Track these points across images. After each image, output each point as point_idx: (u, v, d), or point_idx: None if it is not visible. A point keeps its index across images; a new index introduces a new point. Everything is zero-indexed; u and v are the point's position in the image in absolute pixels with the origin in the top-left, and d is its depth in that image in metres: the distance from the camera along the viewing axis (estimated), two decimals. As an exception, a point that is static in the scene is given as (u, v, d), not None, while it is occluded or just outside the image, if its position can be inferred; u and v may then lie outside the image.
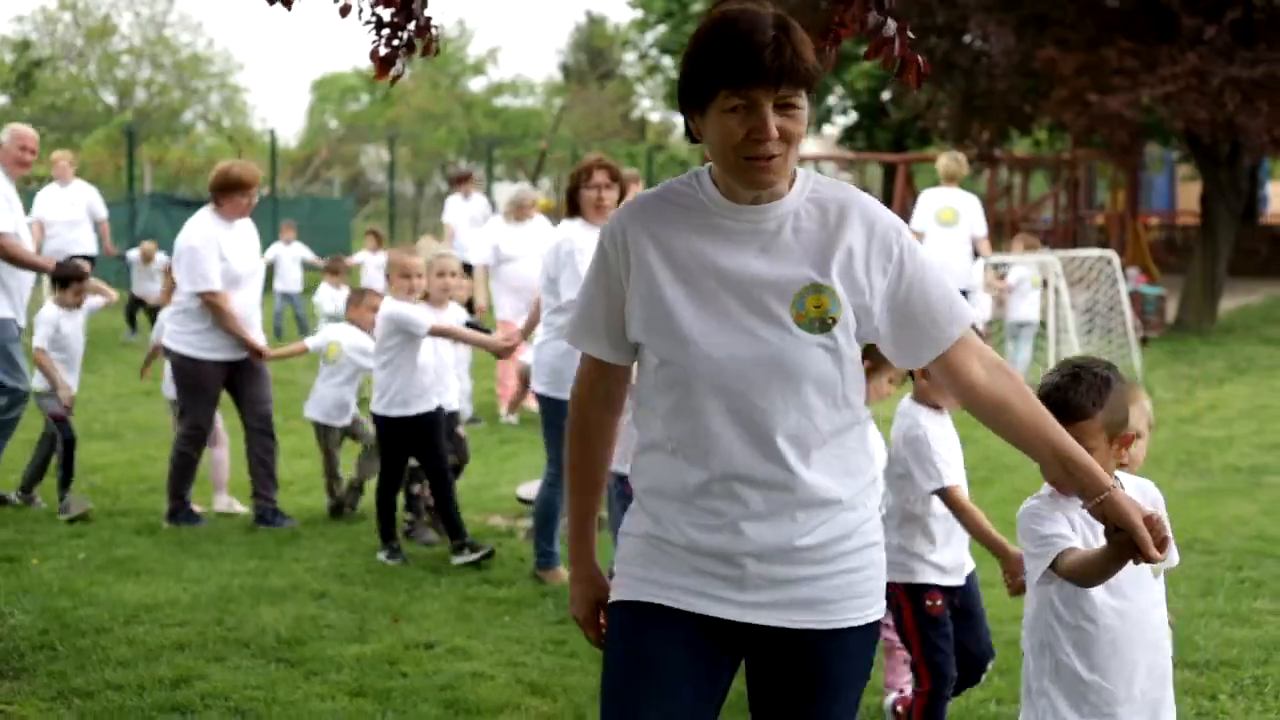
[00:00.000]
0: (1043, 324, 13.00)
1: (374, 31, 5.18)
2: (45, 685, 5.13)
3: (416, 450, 7.15)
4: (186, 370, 7.83)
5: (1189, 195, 28.66)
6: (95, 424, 10.53)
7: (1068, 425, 3.04)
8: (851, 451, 2.69)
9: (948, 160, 12.87)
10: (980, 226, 12.66)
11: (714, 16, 2.59)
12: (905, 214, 13.65)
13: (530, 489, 7.49)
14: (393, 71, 5.17)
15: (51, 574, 6.65)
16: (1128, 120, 17.63)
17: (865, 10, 4.06)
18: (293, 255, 17.09)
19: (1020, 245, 14.31)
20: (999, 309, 13.51)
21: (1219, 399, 12.65)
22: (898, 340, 2.70)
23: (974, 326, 2.85)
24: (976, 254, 12.65)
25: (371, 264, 15.77)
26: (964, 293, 12.37)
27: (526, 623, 6.04)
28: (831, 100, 36.31)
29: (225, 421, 8.31)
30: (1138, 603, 3.16)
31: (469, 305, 10.53)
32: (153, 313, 16.28)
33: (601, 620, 2.85)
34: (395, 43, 5.18)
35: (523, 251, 11.35)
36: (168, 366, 8.25)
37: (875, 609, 2.73)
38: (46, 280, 8.44)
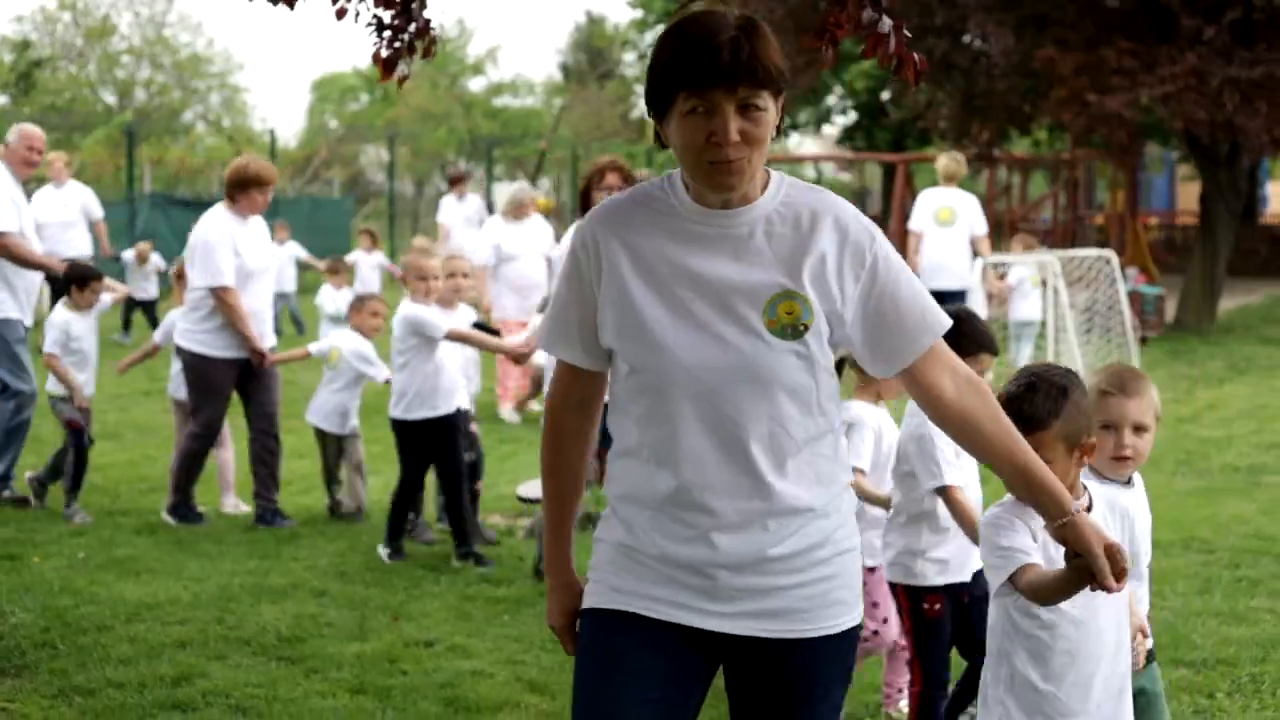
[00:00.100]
0: (1042, 324, 13.02)
1: (375, 34, 5.19)
2: (47, 683, 5.16)
3: (435, 454, 7.14)
4: (199, 369, 7.80)
5: (1188, 195, 28.68)
6: (95, 424, 10.50)
7: (1024, 436, 3.03)
8: (824, 459, 2.66)
9: (947, 160, 12.88)
10: (980, 226, 12.67)
11: (676, 19, 2.56)
12: (905, 214, 13.65)
13: (530, 488, 7.50)
14: (398, 73, 5.20)
15: (53, 572, 6.66)
16: (1127, 120, 17.63)
17: (860, 8, 4.07)
18: (287, 254, 17.11)
19: (1019, 245, 14.32)
20: (999, 308, 13.53)
21: (1218, 399, 12.67)
22: (869, 348, 2.67)
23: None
24: (976, 254, 12.66)
25: (366, 264, 15.78)
26: (963, 293, 12.48)
27: (526, 621, 6.05)
28: (831, 100, 36.32)
29: (230, 422, 8.32)
30: (1097, 614, 3.11)
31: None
32: (149, 312, 16.30)
33: (579, 627, 2.80)
34: (396, 45, 5.20)
35: (523, 250, 11.38)
36: (174, 367, 8.26)
37: (851, 616, 2.70)
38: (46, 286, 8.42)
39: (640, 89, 46.89)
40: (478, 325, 7.57)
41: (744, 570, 2.61)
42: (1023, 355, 12.85)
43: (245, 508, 8.19)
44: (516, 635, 5.85)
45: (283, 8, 5.11)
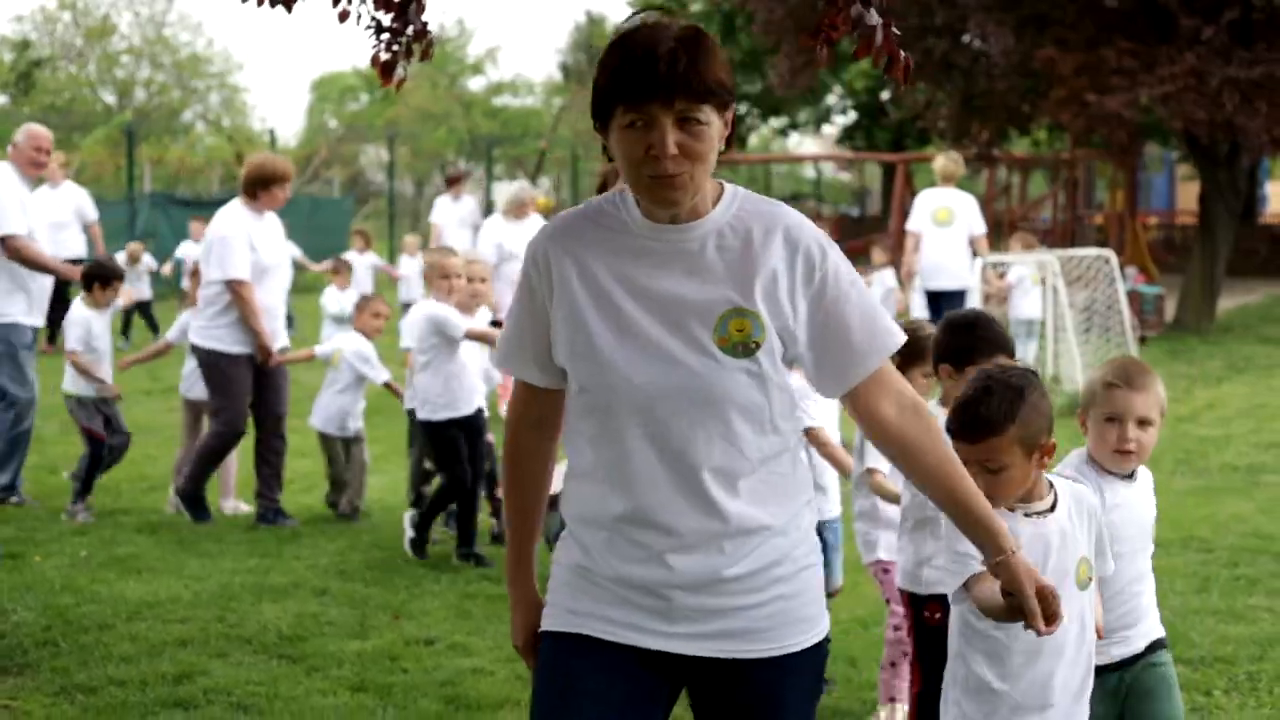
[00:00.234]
0: (1041, 323, 13.04)
1: (373, 36, 5.21)
2: (49, 681, 5.17)
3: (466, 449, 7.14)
4: (216, 366, 7.79)
5: (1188, 195, 28.70)
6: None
7: (979, 441, 3.03)
8: (781, 477, 2.60)
9: (944, 160, 12.90)
10: (978, 225, 12.68)
11: (617, 31, 2.52)
12: (905, 214, 13.67)
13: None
14: (396, 76, 5.21)
15: (54, 571, 6.68)
16: (1126, 120, 17.65)
17: (849, 3, 4.08)
18: None
19: (1019, 244, 14.34)
20: (998, 307, 13.55)
21: (1217, 398, 12.69)
22: (816, 366, 2.60)
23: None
24: (975, 253, 12.68)
25: (359, 265, 15.79)
26: (961, 292, 12.51)
27: (526, 619, 6.06)
28: (831, 100, 36.35)
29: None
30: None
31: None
32: (144, 313, 16.31)
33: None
34: (395, 47, 5.22)
35: (523, 249, 11.39)
36: (186, 366, 8.27)
37: (815, 632, 2.65)
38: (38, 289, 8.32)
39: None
40: (494, 324, 7.60)
41: (699, 591, 2.56)
42: (1028, 354, 12.87)
43: (246, 508, 8.21)
44: (517, 633, 5.86)
45: (281, 8, 5.12)
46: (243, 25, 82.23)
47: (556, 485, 2.87)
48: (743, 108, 36.45)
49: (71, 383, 8.03)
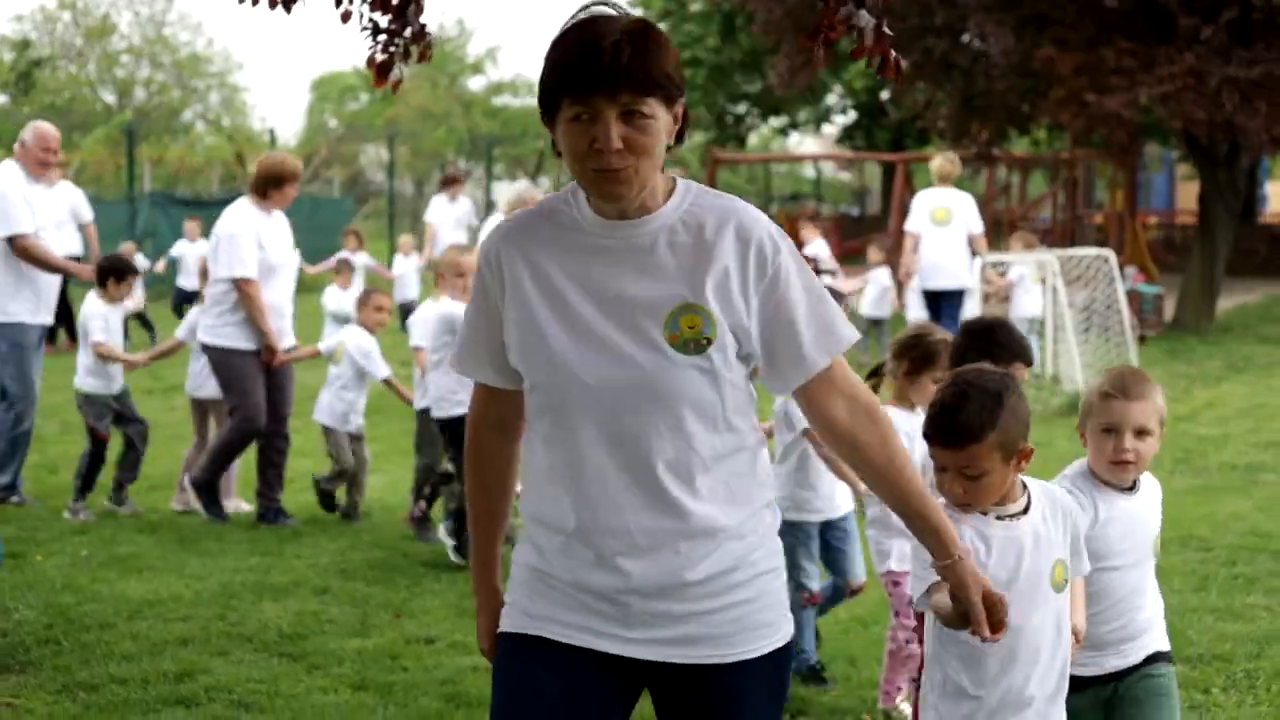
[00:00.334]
0: (1041, 322, 13.06)
1: (370, 37, 5.23)
2: (51, 679, 5.19)
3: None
4: (228, 363, 7.78)
5: (1188, 194, 28.71)
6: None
7: (959, 449, 2.99)
8: (738, 477, 2.56)
9: (941, 160, 12.93)
10: (976, 224, 12.71)
11: (566, 24, 2.50)
12: (905, 213, 13.69)
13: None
14: (392, 77, 5.22)
15: (55, 570, 6.70)
16: (1126, 120, 17.66)
17: (841, 3, 4.10)
18: None
19: (1020, 243, 14.36)
20: (998, 307, 13.57)
21: (1216, 397, 12.71)
22: (767, 362, 2.57)
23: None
24: (974, 253, 12.70)
25: (353, 264, 15.83)
26: (960, 292, 12.53)
27: (526, 618, 6.08)
28: (831, 100, 36.37)
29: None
30: (1031, 618, 3.04)
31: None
32: (139, 314, 16.31)
33: None
34: (392, 49, 5.23)
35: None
36: (193, 365, 8.27)
37: (777, 637, 2.61)
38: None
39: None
40: None
41: (656, 596, 2.53)
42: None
43: (246, 507, 8.22)
44: (517, 632, 5.88)
45: (281, 9, 5.14)
46: (243, 25, 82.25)
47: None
48: (742, 108, 36.51)
49: (84, 379, 8.02)
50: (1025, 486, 3.10)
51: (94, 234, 15.16)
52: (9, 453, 8.14)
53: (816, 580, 5.37)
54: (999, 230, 22.64)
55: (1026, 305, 13.16)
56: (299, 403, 8.91)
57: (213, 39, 68.70)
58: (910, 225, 12.82)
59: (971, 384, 3.05)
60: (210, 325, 7.82)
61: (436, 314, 7.13)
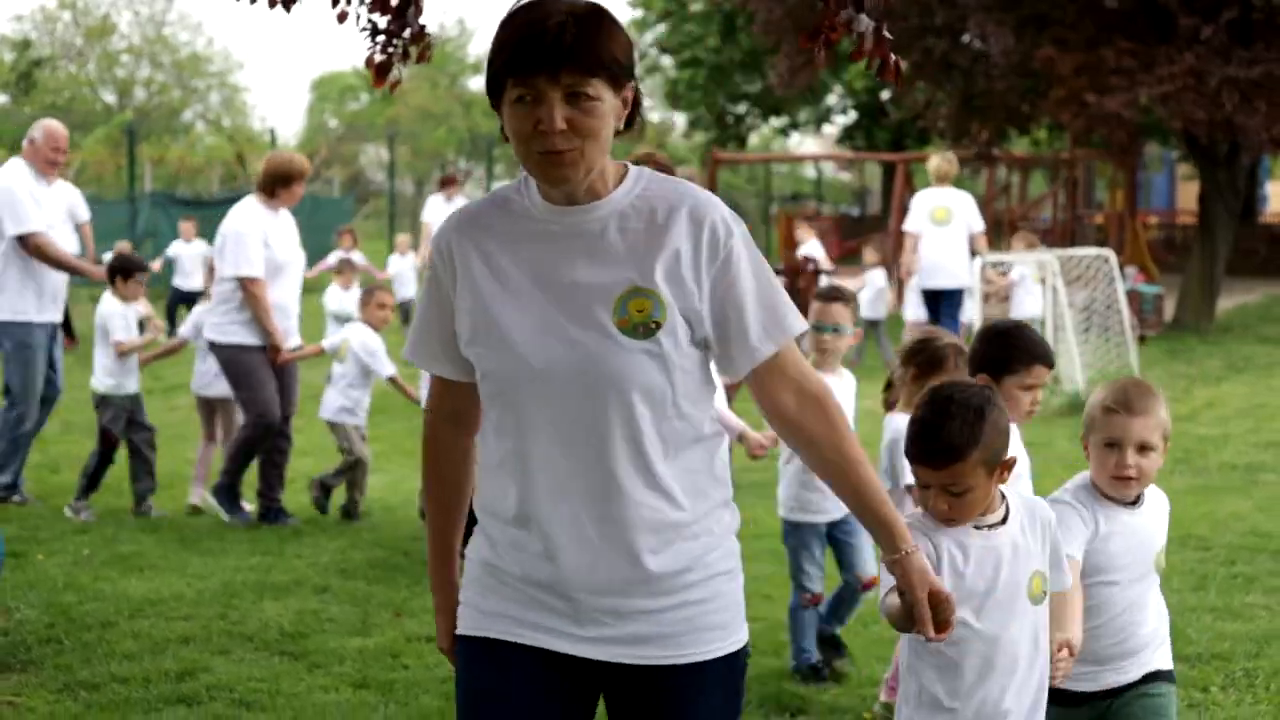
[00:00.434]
0: (1042, 322, 13.06)
1: (369, 38, 5.23)
2: (52, 677, 5.20)
3: None
4: (237, 360, 7.76)
5: (1188, 195, 28.73)
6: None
7: (942, 468, 2.93)
8: (693, 473, 2.51)
9: (938, 160, 12.95)
10: (977, 222, 12.73)
11: (514, 5, 2.46)
12: (905, 213, 13.71)
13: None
14: (390, 77, 5.23)
15: (57, 569, 6.71)
16: (1126, 120, 17.68)
17: (841, 7, 4.11)
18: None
19: (1021, 243, 14.38)
20: (997, 306, 13.58)
21: (1216, 397, 12.72)
22: (717, 345, 2.53)
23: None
24: (974, 252, 12.71)
25: (355, 264, 15.83)
26: (960, 291, 12.55)
27: (527, 617, 6.09)
28: (831, 100, 36.39)
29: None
30: (1008, 629, 3.00)
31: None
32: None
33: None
34: (390, 50, 5.24)
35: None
36: (200, 365, 8.26)
37: (731, 641, 2.56)
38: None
39: (640, 88, 46.89)
40: None
41: (604, 593, 2.48)
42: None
43: (247, 507, 8.22)
44: (517, 631, 5.89)
45: (280, 9, 5.15)
46: (243, 25, 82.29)
47: None
48: (743, 108, 36.52)
49: (101, 380, 8.01)
50: (1004, 497, 3.06)
51: (89, 233, 15.17)
52: (10, 452, 8.14)
53: (818, 582, 5.37)
54: (999, 230, 22.66)
55: (1027, 305, 13.17)
56: (302, 402, 8.92)
57: (213, 39, 68.78)
58: (909, 225, 12.83)
59: (953, 400, 2.98)
60: (217, 323, 7.82)
61: None
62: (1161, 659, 3.51)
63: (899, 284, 13.84)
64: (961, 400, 2.98)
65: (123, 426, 8.01)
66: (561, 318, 2.45)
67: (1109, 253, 14.60)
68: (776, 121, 38.36)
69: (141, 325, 8.23)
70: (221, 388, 8.08)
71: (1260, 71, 16.26)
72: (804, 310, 7.90)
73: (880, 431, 4.73)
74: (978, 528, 3.01)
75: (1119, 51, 16.93)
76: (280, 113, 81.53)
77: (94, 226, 15.05)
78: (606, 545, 2.47)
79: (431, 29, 5.32)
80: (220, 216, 8.16)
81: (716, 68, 33.87)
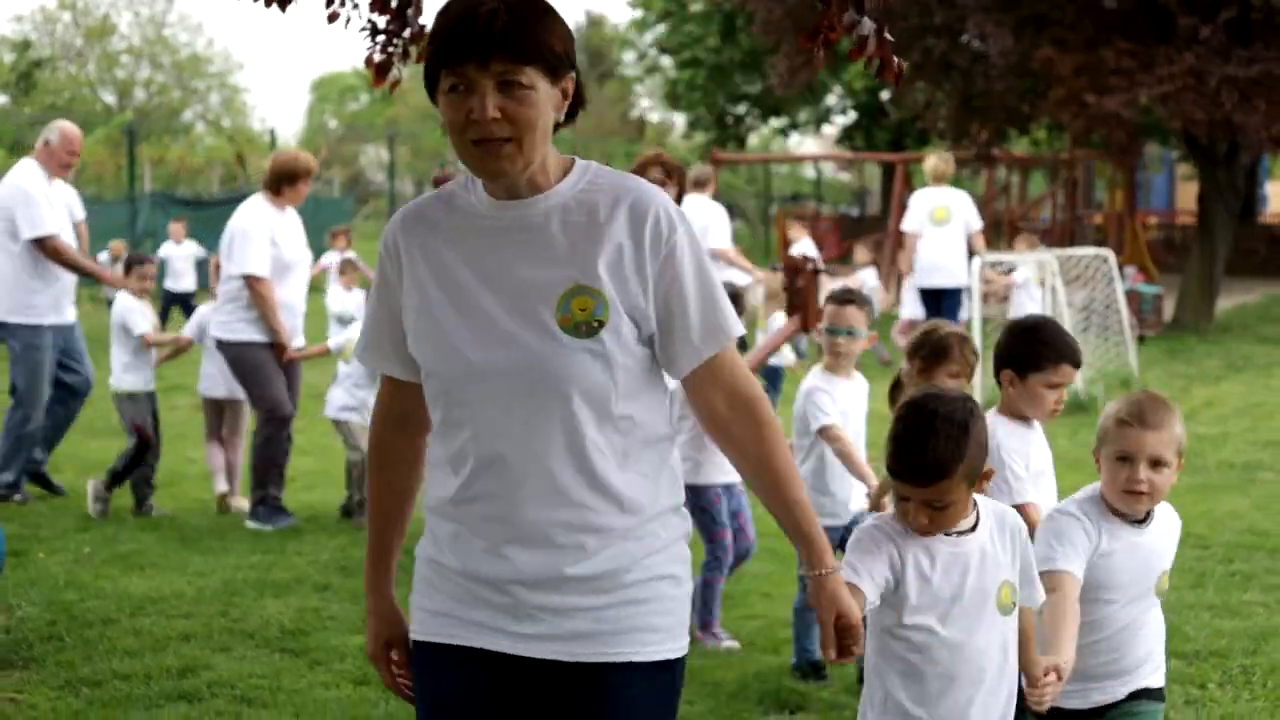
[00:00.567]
0: (1039, 322, 13.05)
1: (369, 38, 5.25)
2: (54, 674, 5.22)
3: None
4: (246, 357, 7.76)
5: (1188, 195, 28.74)
6: (99, 420, 10.59)
7: (928, 486, 2.88)
8: (641, 475, 2.47)
9: (936, 160, 12.99)
10: (975, 221, 12.77)
11: None
12: (904, 212, 13.73)
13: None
14: (390, 77, 5.25)
15: (58, 567, 6.73)
16: (1125, 120, 17.70)
17: (843, 9, 4.12)
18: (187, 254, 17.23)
19: (1023, 244, 14.40)
20: (996, 306, 13.60)
21: (1215, 397, 12.74)
22: (660, 345, 2.48)
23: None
24: (973, 251, 12.74)
25: (358, 264, 15.82)
26: (959, 291, 12.57)
27: (527, 615, 6.11)
28: (831, 100, 36.41)
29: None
30: (974, 637, 2.94)
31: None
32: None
33: (393, 657, 2.67)
34: (390, 49, 5.26)
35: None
36: (205, 366, 8.26)
37: (669, 647, 2.49)
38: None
39: (639, 89, 47.02)
40: None
41: (539, 588, 2.44)
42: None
43: (247, 505, 8.23)
44: (517, 628, 5.91)
45: (276, 8, 5.16)
46: (243, 25, 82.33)
47: None
48: (742, 108, 36.55)
49: (121, 378, 8.01)
50: (975, 504, 3.00)
51: (84, 232, 15.20)
52: (14, 451, 8.16)
53: None
54: (999, 230, 22.68)
55: (1029, 308, 13.17)
56: (301, 402, 8.94)
57: (213, 39, 68.84)
58: (909, 225, 12.86)
59: (937, 415, 2.90)
60: (224, 321, 7.82)
61: None
62: (1152, 677, 3.45)
63: (898, 282, 13.88)
64: (945, 415, 2.90)
65: (149, 420, 8.01)
66: (504, 315, 2.42)
67: (1108, 253, 14.62)
68: (776, 122, 38.39)
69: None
70: (227, 388, 8.08)
71: (1259, 70, 16.28)
72: (804, 309, 8.04)
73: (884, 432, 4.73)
74: (946, 534, 2.96)
75: (1118, 52, 16.95)
76: (280, 113, 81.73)
77: (94, 227, 15.11)
78: (542, 543, 2.44)
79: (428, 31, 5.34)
80: (220, 217, 8.19)
81: (716, 68, 33.90)
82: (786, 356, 11.11)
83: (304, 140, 47.30)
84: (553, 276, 2.41)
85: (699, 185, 11.11)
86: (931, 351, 4.59)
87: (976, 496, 3.00)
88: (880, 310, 14.85)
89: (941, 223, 12.58)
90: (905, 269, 12.99)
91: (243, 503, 8.27)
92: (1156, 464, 3.30)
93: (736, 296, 5.82)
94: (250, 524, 7.70)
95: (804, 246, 15.47)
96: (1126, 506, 3.34)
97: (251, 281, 7.68)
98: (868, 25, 4.10)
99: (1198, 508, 8.16)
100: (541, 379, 2.40)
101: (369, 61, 5.28)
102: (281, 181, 7.81)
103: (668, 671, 2.50)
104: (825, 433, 5.12)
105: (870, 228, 27.68)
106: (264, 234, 7.72)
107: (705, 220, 10.80)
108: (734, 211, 22.02)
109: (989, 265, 13.27)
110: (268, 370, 7.78)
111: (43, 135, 8.31)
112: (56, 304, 8.17)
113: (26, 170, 8.22)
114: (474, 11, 2.33)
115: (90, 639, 5.64)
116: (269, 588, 6.46)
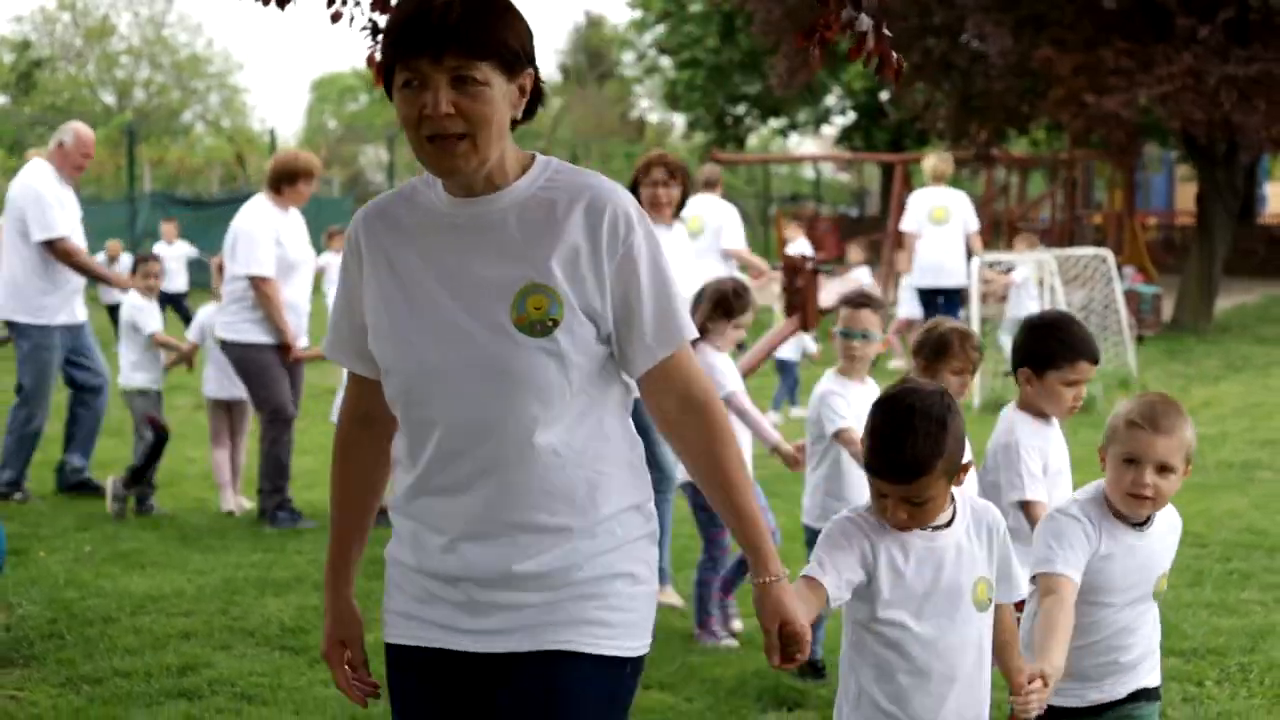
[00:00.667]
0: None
1: (369, 37, 5.26)
2: (54, 672, 5.23)
3: None
4: (251, 358, 7.75)
5: (1187, 195, 28.75)
6: (104, 420, 10.64)
7: (908, 483, 2.84)
8: (598, 474, 2.45)
9: (935, 160, 13.01)
10: (973, 221, 12.79)
11: None
12: (903, 213, 13.75)
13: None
14: (391, 77, 5.25)
15: (59, 566, 6.74)
16: (1125, 120, 17.71)
17: (841, 6, 4.12)
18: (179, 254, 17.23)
19: (1023, 244, 14.42)
20: (995, 306, 13.61)
21: (1214, 396, 12.75)
22: (616, 345, 2.47)
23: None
24: (971, 250, 12.76)
25: (336, 265, 15.84)
26: (959, 290, 12.59)
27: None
28: (830, 100, 36.43)
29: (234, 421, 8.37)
30: (949, 635, 2.91)
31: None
32: (114, 315, 16.28)
33: (346, 657, 2.66)
34: (390, 49, 5.26)
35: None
36: (209, 367, 8.26)
37: (622, 644, 2.47)
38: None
39: (639, 89, 47.04)
40: None
41: (492, 585, 2.44)
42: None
43: (248, 505, 8.24)
44: (517, 626, 5.92)
45: (275, 7, 5.16)
46: (242, 25, 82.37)
47: None
48: (742, 108, 36.57)
49: (131, 376, 7.99)
50: (953, 499, 2.97)
51: (81, 232, 15.22)
52: (17, 449, 8.17)
53: None
54: (998, 231, 22.69)
55: (1030, 308, 13.20)
56: (302, 403, 8.95)
57: (212, 40, 68.86)
58: (908, 225, 12.88)
59: (914, 410, 2.87)
60: (228, 322, 7.82)
61: None
62: (1149, 676, 3.43)
63: (895, 282, 13.90)
64: (923, 410, 2.87)
65: (162, 413, 8.02)
66: (461, 314, 2.40)
67: (1107, 253, 14.64)
68: (775, 122, 38.43)
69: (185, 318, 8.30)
70: (231, 390, 8.08)
71: (1258, 70, 16.29)
72: (804, 309, 8.02)
73: None
74: (921, 528, 2.93)
75: (1117, 52, 16.96)
76: (280, 113, 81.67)
77: (94, 227, 15.10)
78: (493, 540, 2.43)
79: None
80: (219, 218, 8.20)
81: (715, 68, 33.93)
82: (809, 346, 11.11)
83: (304, 140, 47.30)
84: (508, 274, 2.39)
85: (709, 185, 11.14)
86: (932, 349, 4.57)
87: (955, 491, 2.96)
88: None
89: (940, 223, 12.60)
90: (905, 269, 13.01)
91: (245, 502, 8.28)
92: (1163, 469, 3.25)
93: (742, 291, 5.81)
94: (270, 528, 7.67)
95: (799, 246, 15.50)
96: (1129, 509, 3.30)
97: (257, 282, 7.68)
98: (865, 21, 4.09)
99: (1196, 506, 8.17)
100: (496, 378, 2.38)
101: (369, 61, 5.28)
102: (281, 180, 7.82)
103: (619, 668, 2.47)
104: (841, 436, 5.05)
105: (869, 228, 27.70)
106: (269, 234, 7.72)
107: (720, 220, 10.80)
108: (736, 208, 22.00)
109: (988, 265, 13.29)
110: (274, 372, 7.78)
111: (56, 136, 8.31)
112: (67, 304, 8.19)
113: (39, 171, 8.23)
114: (428, 5, 2.31)
115: (91, 637, 5.65)
116: (269, 586, 6.47)
